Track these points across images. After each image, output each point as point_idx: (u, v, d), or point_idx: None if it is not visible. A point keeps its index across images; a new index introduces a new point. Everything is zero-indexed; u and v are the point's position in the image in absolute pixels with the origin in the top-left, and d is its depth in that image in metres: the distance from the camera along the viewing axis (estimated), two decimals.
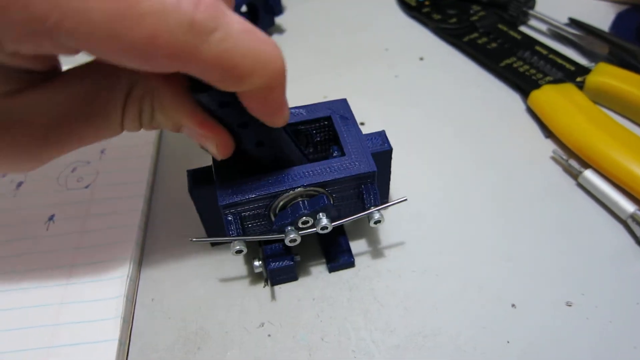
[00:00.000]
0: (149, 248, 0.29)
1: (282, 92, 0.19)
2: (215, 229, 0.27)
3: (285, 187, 0.23)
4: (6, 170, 0.20)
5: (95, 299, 0.25)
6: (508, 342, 0.24)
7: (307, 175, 0.24)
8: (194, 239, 0.25)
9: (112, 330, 0.24)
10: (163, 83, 0.19)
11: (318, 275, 0.27)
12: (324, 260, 0.28)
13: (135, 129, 0.21)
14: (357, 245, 0.28)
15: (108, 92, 0.19)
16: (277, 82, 0.18)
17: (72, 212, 0.29)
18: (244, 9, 0.43)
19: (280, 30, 0.45)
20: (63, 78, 0.19)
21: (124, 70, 0.18)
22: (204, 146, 0.22)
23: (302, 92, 0.39)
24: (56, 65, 0.19)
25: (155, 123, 0.20)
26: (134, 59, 0.15)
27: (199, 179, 0.25)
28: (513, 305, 0.26)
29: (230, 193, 0.23)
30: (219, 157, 0.22)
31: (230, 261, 0.28)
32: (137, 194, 0.30)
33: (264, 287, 0.27)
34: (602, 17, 0.43)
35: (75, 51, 0.16)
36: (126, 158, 0.33)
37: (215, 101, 0.20)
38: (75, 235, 0.28)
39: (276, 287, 0.27)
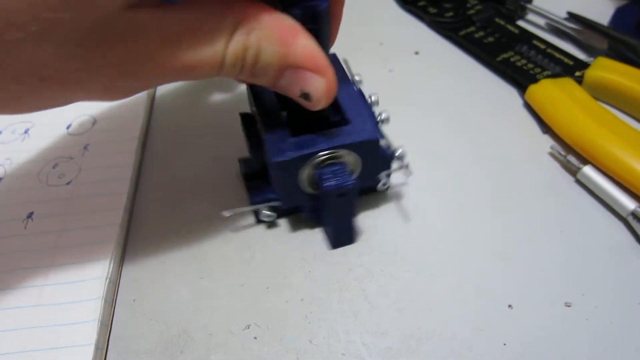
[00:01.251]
0: (132, 247, 0.28)
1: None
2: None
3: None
4: (111, 85, 0.19)
5: (73, 300, 0.24)
6: (505, 344, 0.23)
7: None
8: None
9: (89, 334, 0.23)
10: (271, 18, 0.19)
11: (307, 275, 0.26)
12: (313, 259, 0.27)
13: (235, 71, 0.19)
14: (347, 247, 0.27)
15: (216, 21, 0.18)
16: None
17: (52, 209, 0.28)
18: None
19: None
20: (175, 5, 0.18)
21: (233, 6, 0.18)
22: (309, 90, 0.20)
23: None
24: None
25: (259, 66, 0.19)
26: None
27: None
28: (510, 306, 0.25)
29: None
30: (325, 100, 0.21)
31: (215, 261, 0.27)
32: (120, 192, 0.29)
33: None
34: (601, 11, 0.42)
35: None
36: (110, 154, 0.31)
37: (309, 15, 0.20)
38: (54, 234, 0.27)
39: (263, 288, 0.26)
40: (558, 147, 0.31)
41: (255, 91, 0.27)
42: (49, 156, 0.31)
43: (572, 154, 0.31)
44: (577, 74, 0.35)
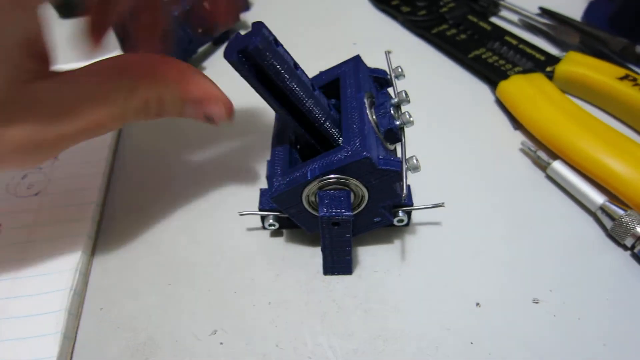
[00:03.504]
0: (101, 255, 0.27)
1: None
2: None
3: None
4: (17, 164, 0.21)
5: (37, 313, 0.24)
6: (472, 343, 0.23)
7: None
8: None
9: (52, 347, 0.22)
10: (165, 64, 0.22)
11: (275, 278, 0.26)
12: (281, 262, 0.27)
13: (140, 119, 0.22)
14: (317, 246, 0.27)
15: (113, 86, 0.21)
16: None
17: (20, 221, 0.28)
18: None
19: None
20: (69, 74, 0.20)
21: (128, 71, 0.21)
22: (211, 114, 0.23)
23: None
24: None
25: (164, 108, 0.22)
26: None
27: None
28: (477, 304, 0.25)
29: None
30: (226, 119, 0.24)
31: (182, 267, 0.27)
32: (89, 201, 0.29)
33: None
34: (574, 6, 0.42)
35: None
36: (80, 163, 0.31)
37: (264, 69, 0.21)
38: (21, 245, 0.27)
39: (230, 293, 0.25)
40: (529, 143, 0.31)
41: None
42: None
43: (542, 150, 0.31)
44: (548, 69, 0.35)
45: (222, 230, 0.28)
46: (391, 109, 0.24)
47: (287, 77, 0.22)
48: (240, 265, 0.27)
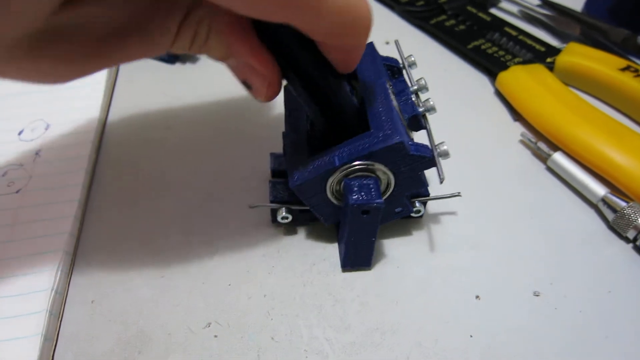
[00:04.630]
0: (89, 247, 0.27)
1: (365, 42, 0.19)
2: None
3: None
4: (41, 79, 0.19)
5: (18, 314, 0.23)
6: (471, 336, 0.23)
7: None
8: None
9: (32, 350, 0.22)
10: (225, 15, 0.19)
11: (271, 270, 0.25)
12: (277, 254, 0.26)
13: (184, 50, 0.20)
14: (313, 238, 0.27)
15: (167, 9, 0.18)
16: (366, 35, 0.19)
17: (0, 219, 0.27)
18: None
19: None
20: None
21: None
22: (251, 84, 0.21)
23: None
24: None
25: (206, 47, 0.20)
26: (272, 6, 0.15)
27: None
28: (477, 297, 0.24)
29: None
30: (263, 97, 0.21)
31: (176, 258, 0.26)
32: (72, 198, 0.28)
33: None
34: None
35: None
36: (62, 160, 0.30)
37: (289, 44, 0.19)
38: (2, 244, 0.26)
39: (225, 285, 0.25)
40: (529, 134, 0.31)
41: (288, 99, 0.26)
42: None
43: (542, 141, 0.30)
44: (549, 60, 0.35)
45: (217, 222, 0.28)
46: (412, 95, 0.23)
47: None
48: (235, 257, 0.26)
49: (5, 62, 0.17)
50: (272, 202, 0.25)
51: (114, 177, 0.30)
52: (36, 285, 0.24)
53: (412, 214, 0.25)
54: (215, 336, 0.23)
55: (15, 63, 0.17)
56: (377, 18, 0.44)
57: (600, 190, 0.27)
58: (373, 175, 0.22)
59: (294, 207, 0.25)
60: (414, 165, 0.22)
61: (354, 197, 0.21)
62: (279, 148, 0.28)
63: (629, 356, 0.22)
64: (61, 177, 0.29)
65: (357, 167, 0.22)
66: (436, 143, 0.23)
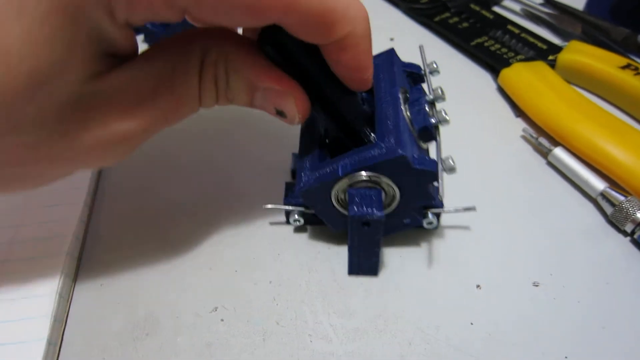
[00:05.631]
0: (100, 232, 0.27)
1: (368, 45, 0.20)
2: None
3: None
4: (96, 161, 0.20)
5: (26, 296, 0.24)
6: (472, 323, 0.23)
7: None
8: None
9: (42, 331, 0.22)
10: (235, 45, 0.20)
11: (276, 257, 0.26)
12: (283, 241, 0.27)
13: (212, 100, 0.20)
14: (319, 227, 0.27)
15: (184, 62, 0.19)
16: (364, 29, 0.19)
17: (9, 204, 0.28)
18: None
19: None
20: (140, 59, 0.19)
21: (196, 42, 0.19)
22: (282, 108, 0.21)
23: None
24: (134, 49, 0.19)
25: (231, 92, 0.20)
26: (243, 14, 0.17)
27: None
28: (478, 286, 0.25)
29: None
30: (298, 118, 0.21)
31: (184, 244, 0.27)
32: (81, 186, 0.28)
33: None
34: None
35: (182, 14, 0.17)
36: None
37: (292, 52, 0.20)
38: (12, 228, 0.26)
39: (232, 271, 0.25)
40: (530, 130, 0.31)
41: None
42: None
43: (543, 137, 0.31)
44: (551, 57, 0.35)
45: (225, 210, 0.28)
46: (426, 105, 0.23)
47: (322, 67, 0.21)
48: (242, 245, 0.26)
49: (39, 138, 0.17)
50: (286, 204, 0.25)
51: (123, 164, 0.31)
52: (46, 269, 0.25)
53: (425, 226, 0.25)
54: (222, 320, 0.24)
55: (49, 138, 0.17)
56: (382, 15, 0.44)
57: (599, 184, 0.28)
58: (378, 186, 0.22)
59: (307, 211, 0.25)
60: (418, 179, 0.22)
61: (355, 208, 0.22)
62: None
63: (625, 345, 0.23)
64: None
65: (361, 177, 0.22)
66: (444, 157, 0.23)
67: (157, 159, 0.31)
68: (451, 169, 0.22)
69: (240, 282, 0.25)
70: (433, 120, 0.23)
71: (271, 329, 0.23)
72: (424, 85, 0.27)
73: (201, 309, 0.24)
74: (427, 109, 0.23)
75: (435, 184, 0.23)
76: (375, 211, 0.21)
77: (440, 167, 0.22)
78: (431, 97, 0.24)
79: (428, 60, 0.27)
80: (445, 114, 0.23)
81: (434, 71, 0.26)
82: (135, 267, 0.26)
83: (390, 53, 0.26)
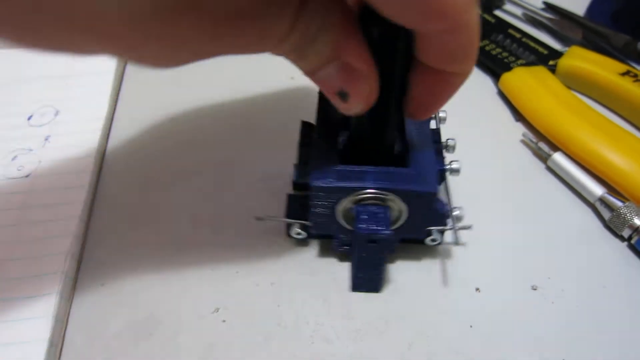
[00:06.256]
0: (101, 231, 0.27)
1: (473, 35, 0.17)
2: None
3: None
4: (154, 58, 0.17)
5: (28, 296, 0.24)
6: (471, 326, 0.24)
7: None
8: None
9: (43, 331, 0.22)
10: (340, 7, 0.18)
11: (277, 259, 0.26)
12: (284, 243, 0.27)
13: (293, 46, 0.18)
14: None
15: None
16: (468, 18, 0.16)
17: (9, 203, 0.28)
18: None
19: None
20: None
21: None
22: (350, 90, 0.19)
23: (267, 71, 0.38)
24: None
25: (312, 48, 0.18)
26: None
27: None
28: (477, 289, 0.25)
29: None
30: (360, 108, 0.20)
31: (186, 245, 0.27)
32: (82, 184, 0.28)
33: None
34: (578, 2, 0.43)
35: None
36: (71, 146, 0.31)
37: (392, 42, 0.19)
38: (12, 228, 0.26)
39: (233, 272, 0.25)
40: (530, 135, 0.32)
41: (321, 106, 0.25)
42: (8, 148, 0.31)
43: (543, 141, 0.31)
44: (551, 62, 0.36)
45: (226, 211, 0.28)
46: (443, 150, 0.26)
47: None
48: (243, 246, 0.27)
49: (138, 24, 0.15)
50: (287, 217, 0.25)
51: (124, 164, 0.31)
52: (47, 269, 0.25)
53: (428, 243, 0.25)
54: (224, 321, 0.24)
55: (145, 27, 0.15)
56: None
57: (597, 190, 0.28)
58: (384, 204, 0.22)
59: (306, 223, 0.25)
60: (426, 212, 0.23)
61: (362, 225, 0.22)
62: (290, 150, 0.29)
63: (621, 349, 0.23)
64: (70, 162, 0.30)
65: (369, 195, 0.22)
66: (453, 205, 0.25)
67: (158, 160, 0.31)
68: (459, 219, 0.24)
69: (241, 284, 0.25)
70: (447, 167, 0.25)
71: (272, 331, 0.23)
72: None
73: (203, 310, 0.24)
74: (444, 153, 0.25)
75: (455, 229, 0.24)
76: (383, 229, 0.22)
77: (452, 215, 0.24)
78: (444, 143, 0.26)
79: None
80: (458, 165, 0.25)
81: (442, 120, 0.28)
82: (137, 268, 0.26)
83: None
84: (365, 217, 0.22)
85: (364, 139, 0.23)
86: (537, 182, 0.30)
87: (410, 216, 0.23)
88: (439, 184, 0.25)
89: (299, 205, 0.26)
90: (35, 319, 0.23)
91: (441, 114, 0.28)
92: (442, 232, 0.25)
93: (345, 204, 0.22)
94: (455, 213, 0.24)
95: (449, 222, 0.24)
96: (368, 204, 0.22)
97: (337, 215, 0.23)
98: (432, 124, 0.27)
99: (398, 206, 0.22)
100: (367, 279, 0.24)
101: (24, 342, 0.22)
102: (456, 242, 0.23)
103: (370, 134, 0.22)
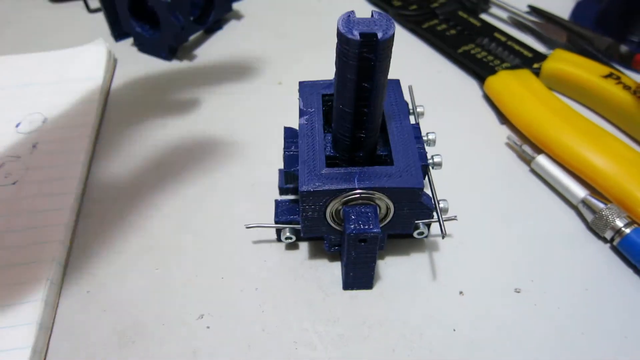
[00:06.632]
0: (84, 241, 0.27)
1: None
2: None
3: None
4: None
5: (12, 303, 0.24)
6: (454, 330, 0.24)
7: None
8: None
9: (27, 339, 0.22)
10: None
11: (263, 265, 0.26)
12: (269, 248, 0.27)
13: None
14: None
15: None
16: None
17: None
18: None
19: (238, 16, 0.44)
20: None
21: None
22: None
23: (257, 77, 0.38)
24: None
25: None
26: None
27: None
28: (461, 293, 0.25)
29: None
30: None
31: (171, 251, 0.27)
32: (68, 191, 0.28)
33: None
34: (562, 5, 0.43)
35: None
36: (59, 153, 0.31)
37: None
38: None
39: (218, 278, 0.26)
40: (514, 137, 0.32)
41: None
42: None
43: (527, 144, 0.31)
44: (535, 65, 0.36)
45: (210, 217, 0.28)
46: (425, 145, 0.25)
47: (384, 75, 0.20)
48: (228, 252, 0.27)
49: None
50: (276, 222, 0.25)
51: (110, 171, 0.31)
52: (32, 275, 0.25)
53: (415, 236, 0.25)
54: (208, 327, 0.24)
55: None
56: None
57: (580, 192, 0.28)
58: (372, 203, 0.23)
59: (297, 228, 0.25)
60: (412, 207, 0.23)
61: (352, 226, 0.22)
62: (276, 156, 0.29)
63: (603, 350, 0.23)
64: (58, 169, 0.30)
65: (358, 195, 0.22)
66: (439, 198, 0.24)
67: (145, 167, 0.31)
68: (445, 211, 0.25)
69: (226, 289, 0.25)
70: (430, 161, 0.25)
71: (257, 336, 0.23)
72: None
73: (187, 316, 0.24)
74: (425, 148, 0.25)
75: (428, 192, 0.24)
76: (372, 228, 0.22)
77: (438, 207, 0.24)
78: (426, 137, 0.26)
79: (399, 58, 0.28)
80: (440, 158, 0.25)
81: (420, 115, 0.27)
82: (122, 274, 0.26)
83: (396, 83, 0.27)
84: (354, 217, 0.22)
85: (347, 142, 0.23)
86: (521, 184, 0.30)
87: (398, 212, 0.23)
88: (423, 178, 0.25)
89: (287, 209, 0.26)
90: (19, 326, 0.23)
91: (419, 109, 0.28)
92: (428, 225, 0.25)
93: (334, 205, 0.23)
94: (441, 205, 0.24)
95: (434, 214, 0.25)
96: (356, 204, 0.23)
97: (327, 218, 0.23)
98: (412, 120, 0.27)
99: (385, 204, 0.23)
100: (359, 277, 0.25)
101: (7, 349, 0.22)
102: (443, 235, 0.23)
103: (352, 136, 0.23)
